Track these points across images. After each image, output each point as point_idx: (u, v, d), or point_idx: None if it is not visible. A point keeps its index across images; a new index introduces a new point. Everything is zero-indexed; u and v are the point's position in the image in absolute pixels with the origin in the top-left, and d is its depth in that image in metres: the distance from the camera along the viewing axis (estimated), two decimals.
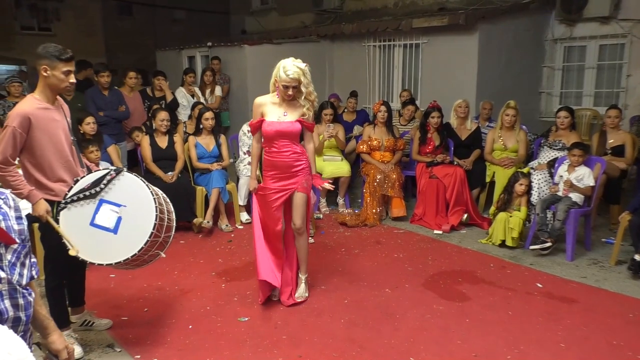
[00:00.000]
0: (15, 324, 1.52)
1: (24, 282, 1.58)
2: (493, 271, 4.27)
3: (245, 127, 5.80)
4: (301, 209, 3.57)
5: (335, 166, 5.90)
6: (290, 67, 3.34)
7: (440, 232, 5.26)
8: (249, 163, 5.64)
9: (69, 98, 5.50)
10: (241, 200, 5.61)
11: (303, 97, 3.48)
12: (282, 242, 3.72)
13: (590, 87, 7.59)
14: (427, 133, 5.84)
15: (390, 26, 7.76)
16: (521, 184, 4.87)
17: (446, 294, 3.84)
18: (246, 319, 3.49)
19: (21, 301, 1.57)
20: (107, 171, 2.88)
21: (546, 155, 5.44)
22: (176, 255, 4.52)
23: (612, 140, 5.35)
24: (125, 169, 2.93)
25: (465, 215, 5.40)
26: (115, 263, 2.77)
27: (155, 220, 2.76)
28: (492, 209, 5.10)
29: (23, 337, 1.51)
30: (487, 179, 5.70)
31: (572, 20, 7.41)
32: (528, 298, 3.75)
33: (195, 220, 5.16)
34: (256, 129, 3.60)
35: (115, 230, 2.76)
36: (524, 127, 5.94)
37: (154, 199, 2.80)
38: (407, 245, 4.95)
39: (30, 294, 1.60)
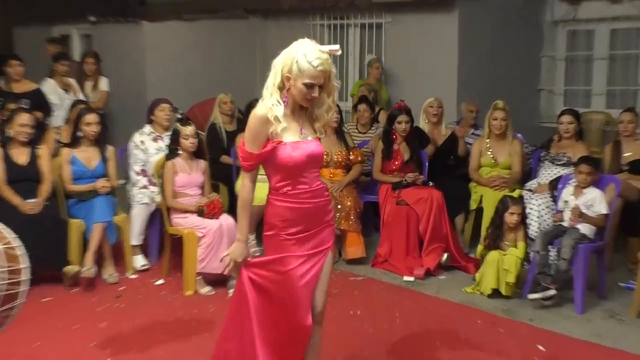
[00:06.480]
0: None
1: None
2: (481, 330, 4.35)
3: (137, 138, 5.69)
4: (327, 278, 3.10)
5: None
6: (315, 53, 2.85)
7: (412, 278, 5.31)
8: (145, 187, 5.60)
9: None
10: (134, 239, 5.52)
11: (323, 104, 3.01)
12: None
13: (601, 84, 7.86)
14: (392, 144, 5.92)
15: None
16: (512, 213, 4.89)
17: None
18: None
19: None
20: None
21: (548, 172, 5.60)
22: (37, 319, 4.32)
23: (629, 153, 5.56)
24: None
25: (445, 256, 5.49)
26: None
27: None
28: (480, 248, 5.17)
29: None
30: (473, 205, 5.81)
31: None
32: None
33: (67, 269, 5.02)
34: (263, 159, 2.97)
35: None
36: (519, 135, 6.11)
37: None
38: (367, 297, 4.97)
39: None
